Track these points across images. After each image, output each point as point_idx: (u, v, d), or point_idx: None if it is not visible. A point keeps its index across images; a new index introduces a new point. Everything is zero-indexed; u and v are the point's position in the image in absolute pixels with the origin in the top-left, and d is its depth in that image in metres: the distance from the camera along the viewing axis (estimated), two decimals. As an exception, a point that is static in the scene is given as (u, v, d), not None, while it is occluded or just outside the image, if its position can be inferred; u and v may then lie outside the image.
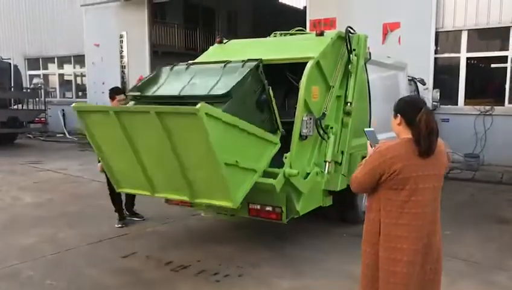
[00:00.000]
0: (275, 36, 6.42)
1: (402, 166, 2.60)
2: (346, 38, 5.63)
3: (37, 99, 15.66)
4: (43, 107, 15.81)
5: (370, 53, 6.47)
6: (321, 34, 5.64)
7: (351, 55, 5.71)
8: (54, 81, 20.84)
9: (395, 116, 2.77)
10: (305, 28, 12.42)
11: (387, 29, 11.71)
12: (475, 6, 10.79)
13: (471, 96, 11.34)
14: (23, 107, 15.76)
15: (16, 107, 15.59)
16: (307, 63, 5.08)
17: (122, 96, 5.89)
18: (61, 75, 20.71)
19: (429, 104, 10.67)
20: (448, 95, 11.52)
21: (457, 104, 11.35)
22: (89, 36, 17.60)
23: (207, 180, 4.04)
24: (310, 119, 4.97)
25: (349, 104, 5.74)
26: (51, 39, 19.54)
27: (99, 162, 5.93)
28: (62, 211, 6.93)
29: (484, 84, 12.06)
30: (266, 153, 4.52)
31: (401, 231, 2.65)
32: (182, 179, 4.08)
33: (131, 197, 6.25)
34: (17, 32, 20.77)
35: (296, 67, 5.32)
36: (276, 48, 5.90)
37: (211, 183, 4.02)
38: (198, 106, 3.51)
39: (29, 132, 16.98)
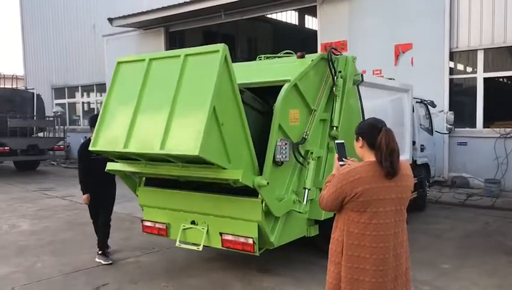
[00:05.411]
0: (260, 59, 6.27)
1: (363, 189, 2.60)
2: (328, 60, 5.39)
3: (57, 127, 16.08)
4: (62, 135, 16.21)
5: (362, 75, 6.21)
6: (302, 56, 5.43)
7: (335, 78, 5.47)
8: (79, 109, 21.43)
9: (357, 140, 2.81)
10: (317, 51, 12.28)
11: (399, 50, 11.38)
12: (490, 25, 10.33)
13: (490, 118, 10.76)
14: (45, 135, 16.22)
15: (38, 135, 16.09)
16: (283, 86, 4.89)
17: None
18: (86, 103, 21.27)
19: (444, 126, 10.21)
20: (465, 118, 11.00)
21: (475, 127, 10.78)
22: (110, 65, 17.99)
23: (185, 129, 4.00)
24: (285, 144, 4.73)
25: (335, 128, 5.48)
26: (75, 69, 20.20)
27: (84, 193, 5.85)
28: (52, 239, 6.88)
29: (504, 105, 11.44)
30: (243, 157, 4.35)
31: (364, 252, 2.64)
32: (163, 130, 4.03)
33: (106, 234, 5.94)
34: (45, 63, 21.62)
35: (276, 91, 5.11)
36: (256, 71, 5.73)
37: (187, 132, 3.96)
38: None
39: (49, 159, 17.36)
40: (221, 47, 4.03)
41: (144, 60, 4.48)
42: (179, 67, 4.15)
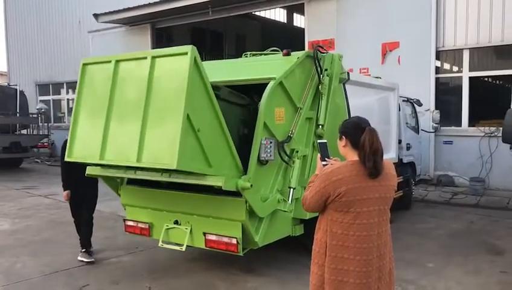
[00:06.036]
0: (246, 56, 6.19)
1: (346, 189, 2.57)
2: (314, 58, 5.34)
3: (40, 124, 15.82)
4: (46, 132, 15.96)
5: (349, 73, 6.17)
6: (288, 54, 5.37)
7: (321, 76, 5.43)
8: (65, 106, 21.13)
9: (341, 139, 2.76)
10: (304, 49, 12.23)
11: (386, 49, 11.39)
12: (476, 25, 10.39)
13: (476, 117, 10.83)
14: (28, 132, 15.95)
15: (20, 132, 15.81)
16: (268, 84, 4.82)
17: None
18: (71, 100, 20.97)
19: (430, 125, 10.25)
20: (451, 116, 11.06)
21: (460, 126, 10.85)
22: (96, 61, 17.79)
23: (160, 139, 3.83)
24: (270, 143, 4.66)
25: (320, 126, 5.44)
26: (60, 65, 19.89)
27: (64, 190, 5.76)
28: (32, 239, 6.74)
29: (489, 104, 11.53)
30: (226, 162, 4.24)
31: (348, 253, 2.60)
32: (137, 141, 3.86)
33: (89, 232, 5.88)
34: (29, 59, 21.26)
35: (261, 89, 5.04)
36: (242, 68, 5.67)
37: (163, 142, 3.80)
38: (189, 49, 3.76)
39: (32, 156, 17.08)
40: (189, 49, 3.76)
41: (110, 61, 4.23)
42: (147, 71, 3.91)
